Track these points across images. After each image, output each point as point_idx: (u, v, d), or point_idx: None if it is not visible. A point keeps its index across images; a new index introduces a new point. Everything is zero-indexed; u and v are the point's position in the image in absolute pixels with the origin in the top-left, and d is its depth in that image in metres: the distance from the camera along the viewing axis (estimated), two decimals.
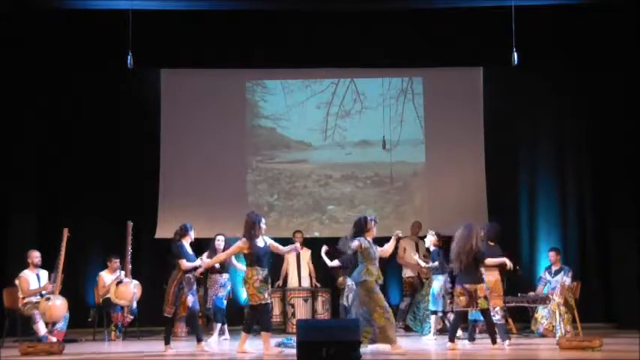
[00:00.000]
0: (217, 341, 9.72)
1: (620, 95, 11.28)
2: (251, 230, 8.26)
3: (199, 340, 8.65)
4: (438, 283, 9.77)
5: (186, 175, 11.89)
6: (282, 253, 9.08)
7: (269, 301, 8.39)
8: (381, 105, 12.11)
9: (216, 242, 9.89)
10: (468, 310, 8.70)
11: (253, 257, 8.25)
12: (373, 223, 8.49)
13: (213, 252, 9.68)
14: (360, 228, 8.43)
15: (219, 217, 11.39)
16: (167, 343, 8.58)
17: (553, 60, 11.64)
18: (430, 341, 9.54)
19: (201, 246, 9.71)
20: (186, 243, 8.69)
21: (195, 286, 8.72)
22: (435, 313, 9.81)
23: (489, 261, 8.83)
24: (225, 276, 9.99)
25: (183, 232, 8.70)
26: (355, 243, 8.32)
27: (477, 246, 8.57)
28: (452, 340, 8.52)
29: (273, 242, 8.54)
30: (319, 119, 12.15)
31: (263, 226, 8.35)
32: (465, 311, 8.75)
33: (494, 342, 8.50)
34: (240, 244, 8.31)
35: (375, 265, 8.36)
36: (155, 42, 11.20)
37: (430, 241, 9.86)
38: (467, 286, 8.52)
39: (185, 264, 8.53)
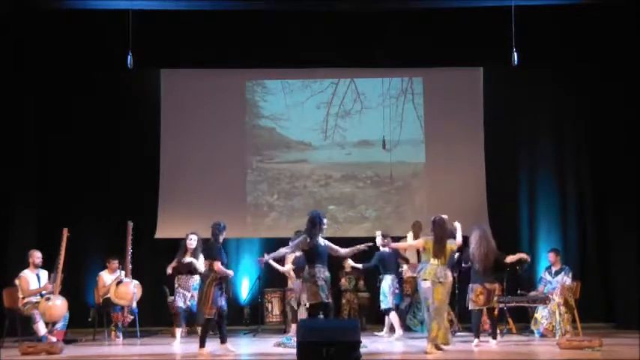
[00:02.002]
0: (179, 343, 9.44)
1: (620, 95, 11.27)
2: (312, 229, 8.32)
3: (223, 341, 8.52)
4: (387, 282, 9.73)
5: (186, 175, 11.88)
6: (342, 255, 8.85)
7: (328, 301, 8.33)
8: (381, 105, 12.10)
9: (188, 241, 9.67)
10: (484, 307, 8.90)
11: (315, 255, 8.30)
12: None
13: (185, 251, 9.60)
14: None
15: (219, 217, 11.17)
16: (202, 345, 8.40)
17: (553, 60, 11.62)
18: (385, 338, 9.54)
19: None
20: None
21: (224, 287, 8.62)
22: (388, 312, 9.74)
23: (510, 258, 9.07)
24: (196, 278, 9.46)
25: (220, 231, 8.61)
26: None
27: (495, 246, 8.93)
28: (477, 336, 8.84)
29: (330, 244, 8.54)
30: (319, 119, 12.15)
31: (324, 226, 8.43)
32: (481, 309, 8.94)
33: (477, 337, 8.86)
34: (302, 240, 8.37)
35: None
36: (155, 42, 11.18)
37: (379, 242, 9.81)
38: (487, 285, 8.84)
39: (219, 266, 8.39)
